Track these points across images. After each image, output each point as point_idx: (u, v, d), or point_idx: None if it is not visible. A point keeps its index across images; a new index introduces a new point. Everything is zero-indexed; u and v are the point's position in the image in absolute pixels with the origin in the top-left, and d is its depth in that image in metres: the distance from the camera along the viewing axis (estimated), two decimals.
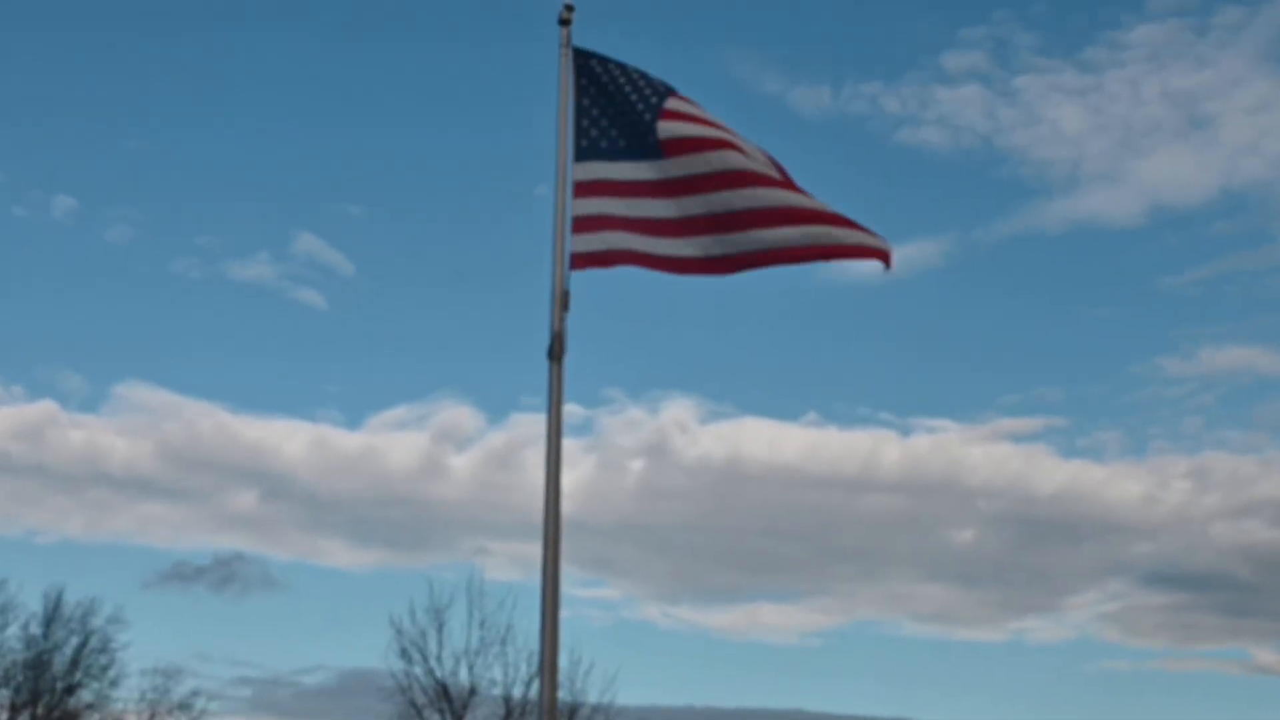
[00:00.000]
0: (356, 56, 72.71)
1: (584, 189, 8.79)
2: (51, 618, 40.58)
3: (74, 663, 40.69)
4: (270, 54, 71.92)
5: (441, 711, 34.76)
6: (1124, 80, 70.17)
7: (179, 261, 73.59)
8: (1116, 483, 63.74)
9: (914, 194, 67.17)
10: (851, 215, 8.58)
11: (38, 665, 40.12)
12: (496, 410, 77.12)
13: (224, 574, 53.27)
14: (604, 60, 9.04)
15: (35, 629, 40.45)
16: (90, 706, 40.96)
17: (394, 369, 71.60)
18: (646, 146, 8.83)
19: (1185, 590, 64.27)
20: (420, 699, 34.73)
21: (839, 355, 71.73)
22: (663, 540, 60.21)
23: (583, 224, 8.74)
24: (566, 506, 8.29)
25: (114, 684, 41.32)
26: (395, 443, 62.25)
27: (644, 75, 8.98)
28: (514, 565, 50.56)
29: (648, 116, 8.80)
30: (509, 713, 34.62)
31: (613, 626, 55.23)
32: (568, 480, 8.39)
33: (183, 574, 55.07)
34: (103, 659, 41.19)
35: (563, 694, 33.77)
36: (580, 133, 8.94)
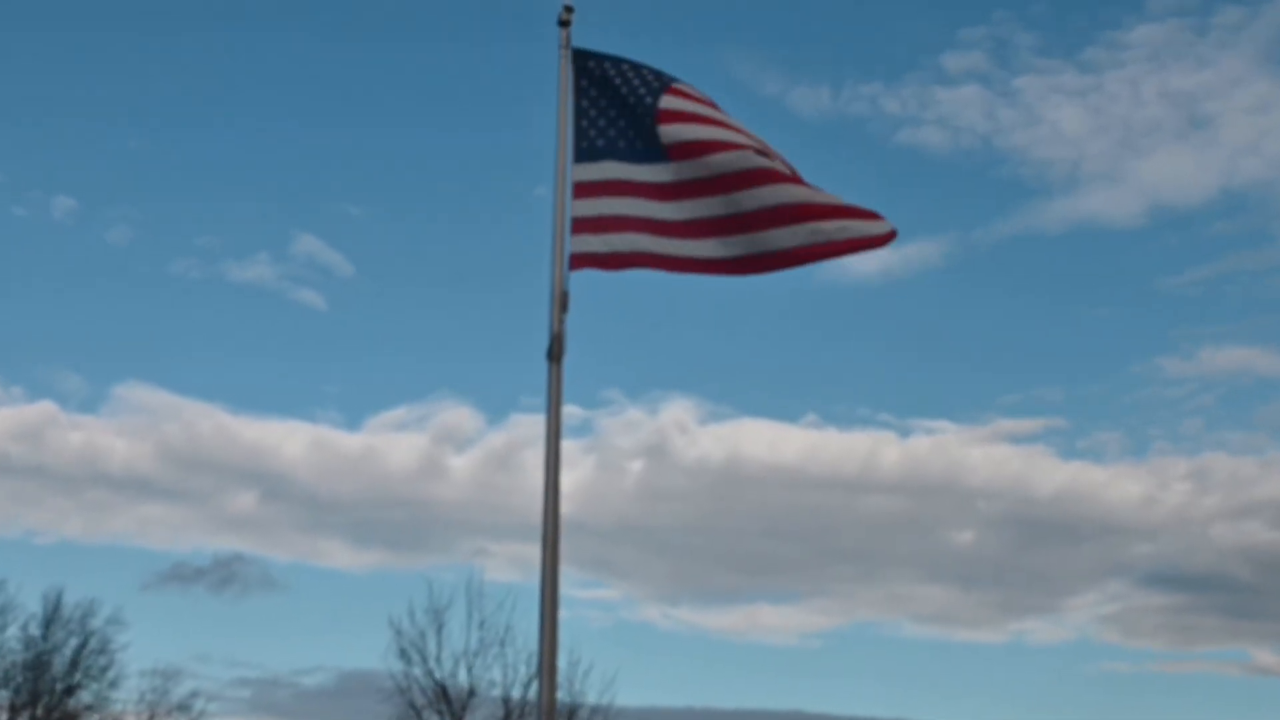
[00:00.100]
0: (356, 56, 72.76)
1: (584, 190, 8.79)
2: (51, 619, 40.61)
3: (73, 664, 40.69)
4: (270, 54, 71.95)
5: (441, 713, 34.74)
6: (1124, 80, 70.16)
7: (178, 262, 73.58)
8: (1116, 484, 63.74)
9: (914, 194, 67.07)
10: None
11: (37, 666, 40.11)
12: (496, 411, 77.12)
13: (223, 575, 53.28)
14: (603, 59, 9.03)
15: (34, 630, 40.49)
16: (89, 708, 40.97)
17: (393, 370, 71.64)
18: (649, 148, 8.83)
19: (1185, 592, 64.24)
20: (419, 700, 34.71)
21: (838, 356, 71.73)
22: (662, 541, 60.22)
23: (582, 225, 8.74)
24: (566, 507, 8.30)
25: (113, 685, 41.36)
26: (395, 444, 62.27)
27: (639, 72, 8.96)
28: (513, 566, 50.61)
29: (648, 119, 8.79)
30: (508, 714, 34.59)
31: (612, 627, 55.22)
32: (567, 481, 8.39)
33: (182, 575, 55.04)
34: (102, 660, 41.23)
35: (562, 695, 33.76)
36: (580, 134, 8.93)
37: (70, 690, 40.54)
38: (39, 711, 39.71)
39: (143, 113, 73.90)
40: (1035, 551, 63.07)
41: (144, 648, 59.53)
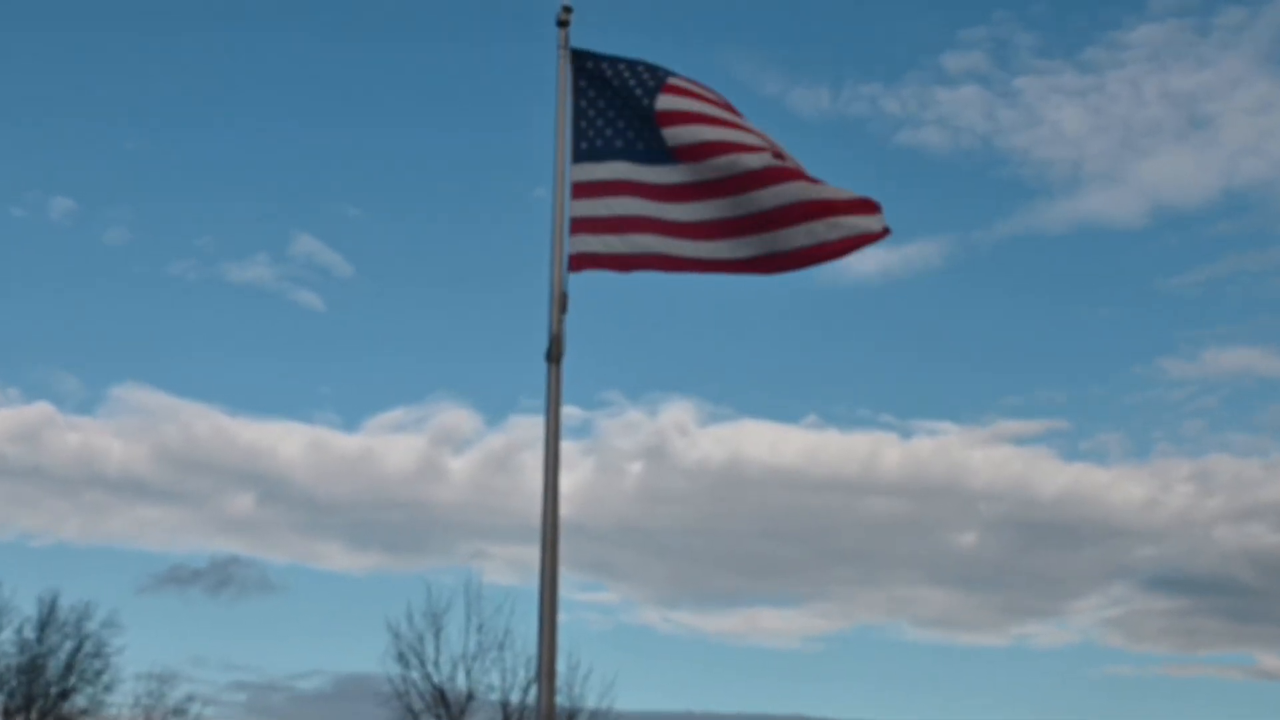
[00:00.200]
0: (355, 57, 72.70)
1: (582, 190, 8.78)
2: (46, 622, 40.45)
3: (68, 667, 40.56)
4: (269, 54, 71.88)
5: (439, 717, 34.65)
6: (1125, 81, 70.15)
7: (176, 263, 73.51)
8: (1119, 486, 63.64)
9: (914, 195, 66.95)
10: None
11: (32, 670, 39.99)
12: (495, 412, 77.00)
13: (220, 577, 53.16)
14: (601, 59, 9.00)
15: (29, 633, 40.32)
16: (84, 712, 40.83)
17: (392, 371, 71.56)
18: (649, 148, 8.83)
19: (1189, 595, 64.09)
20: (417, 704, 34.62)
21: (839, 357, 71.62)
22: (662, 544, 60.10)
23: (581, 226, 8.73)
24: (565, 509, 8.29)
25: (108, 689, 41.20)
26: (393, 445, 62.15)
27: (635, 70, 8.93)
28: (512, 569, 50.57)
29: (648, 120, 8.78)
30: (507, 718, 34.51)
31: (611, 631, 55.10)
32: (566, 483, 8.39)
33: (179, 577, 54.75)
34: (97, 663, 41.09)
35: (561, 699, 33.67)
36: (578, 134, 8.92)
37: (65, 694, 40.41)
38: (33, 715, 39.60)
39: (141, 113, 73.91)
40: (1037, 554, 63.02)
41: (140, 651, 59.28)
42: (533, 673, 31.91)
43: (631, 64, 8.98)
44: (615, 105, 8.92)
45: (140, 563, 73.00)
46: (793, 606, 64.56)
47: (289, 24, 72.65)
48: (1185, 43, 68.86)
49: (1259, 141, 74.30)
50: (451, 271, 72.21)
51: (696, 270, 8.75)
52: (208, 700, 43.25)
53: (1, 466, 57.22)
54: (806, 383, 72.45)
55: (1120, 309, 71.32)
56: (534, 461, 8.37)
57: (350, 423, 79.87)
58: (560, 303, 8.53)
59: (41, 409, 60.06)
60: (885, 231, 8.56)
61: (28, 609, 40.83)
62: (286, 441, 62.99)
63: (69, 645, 40.72)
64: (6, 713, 39.51)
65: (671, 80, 8.88)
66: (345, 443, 62.78)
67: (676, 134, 8.72)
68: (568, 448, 8.55)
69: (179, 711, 41.52)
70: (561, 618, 8.09)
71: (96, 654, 41.02)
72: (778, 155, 8.70)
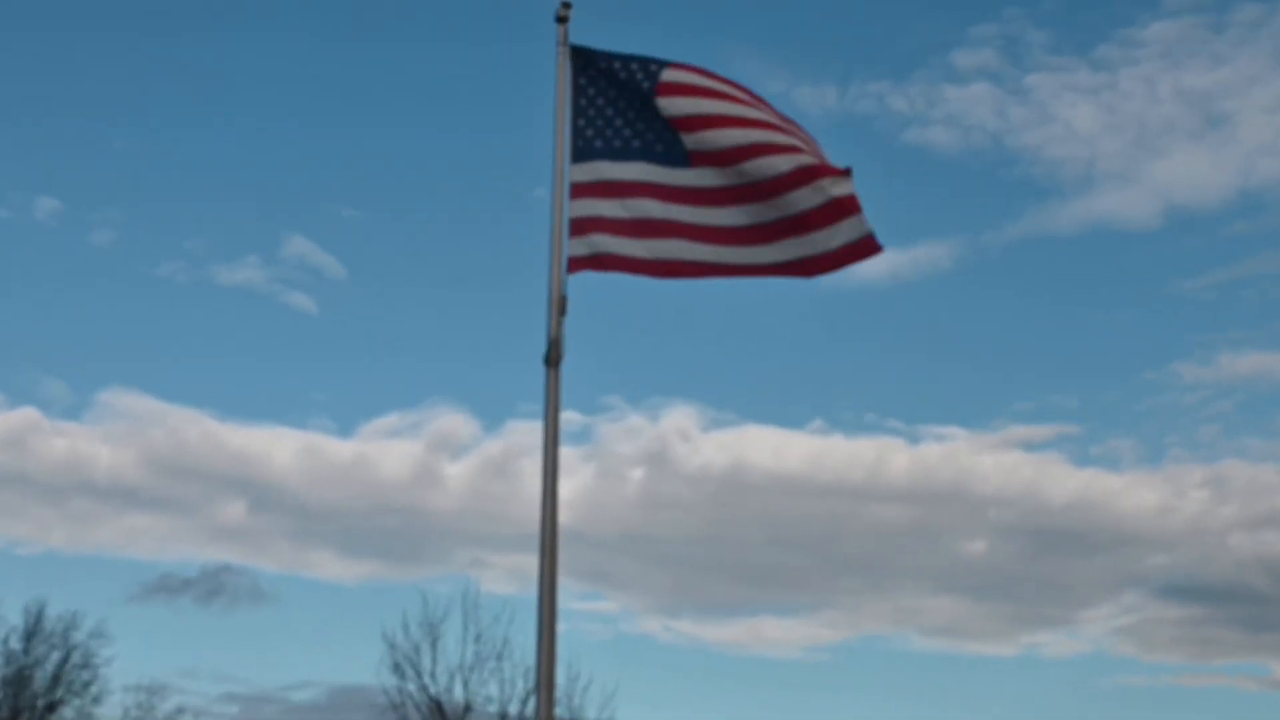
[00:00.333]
0: (349, 54, 72.23)
1: (582, 190, 8.69)
2: (32, 632, 40.19)
3: (55, 679, 40.32)
4: (260, 53, 71.45)
5: None
6: (1138, 78, 69.55)
7: (165, 265, 72.60)
8: (1131, 492, 63.15)
9: (922, 195, 66.48)
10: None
11: (18, 681, 39.75)
12: (492, 418, 76.30)
13: (211, 586, 52.77)
14: (599, 56, 8.91)
15: (15, 644, 40.04)
16: None
17: (386, 375, 71.00)
18: (645, 148, 8.77)
19: (1202, 603, 63.59)
20: (413, 716, 34.39)
21: (845, 361, 71.13)
22: (663, 552, 59.73)
23: (580, 226, 8.64)
24: (564, 517, 8.23)
25: (96, 701, 40.92)
26: (388, 451, 61.68)
27: (629, 67, 8.84)
28: (510, 578, 50.21)
29: (654, 116, 8.73)
30: None
31: (611, 640, 54.68)
32: (565, 490, 8.33)
33: (169, 586, 54.36)
34: (85, 675, 40.81)
35: (560, 710, 33.49)
36: (577, 133, 8.84)
37: (52, 706, 40.18)
38: None
39: (129, 112, 73.38)
40: (1048, 562, 62.66)
41: (129, 662, 58.96)
42: (531, 684, 31.82)
43: (626, 61, 8.88)
44: (616, 104, 8.85)
45: (129, 571, 72.79)
46: (797, 616, 64.24)
47: (280, 22, 72.30)
48: (1200, 40, 68.50)
49: (1276, 140, 73.87)
50: (448, 273, 71.88)
51: (661, 274, 8.70)
52: (198, 712, 43.01)
53: None
54: (811, 387, 72.07)
55: (1133, 312, 70.90)
56: (533, 468, 8.32)
57: (344, 428, 79.26)
58: (559, 306, 8.46)
59: (27, 414, 59.53)
60: (878, 247, 8.63)
61: (14, 619, 40.54)
62: (279, 447, 62.56)
63: (56, 656, 40.49)
64: None
65: (665, 80, 8.77)
66: (339, 449, 62.42)
67: (694, 139, 8.70)
68: (567, 453, 8.44)
69: None
70: (561, 627, 8.07)
71: (84, 665, 40.79)
72: (790, 136, 8.67)
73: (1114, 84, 67.27)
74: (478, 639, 34.70)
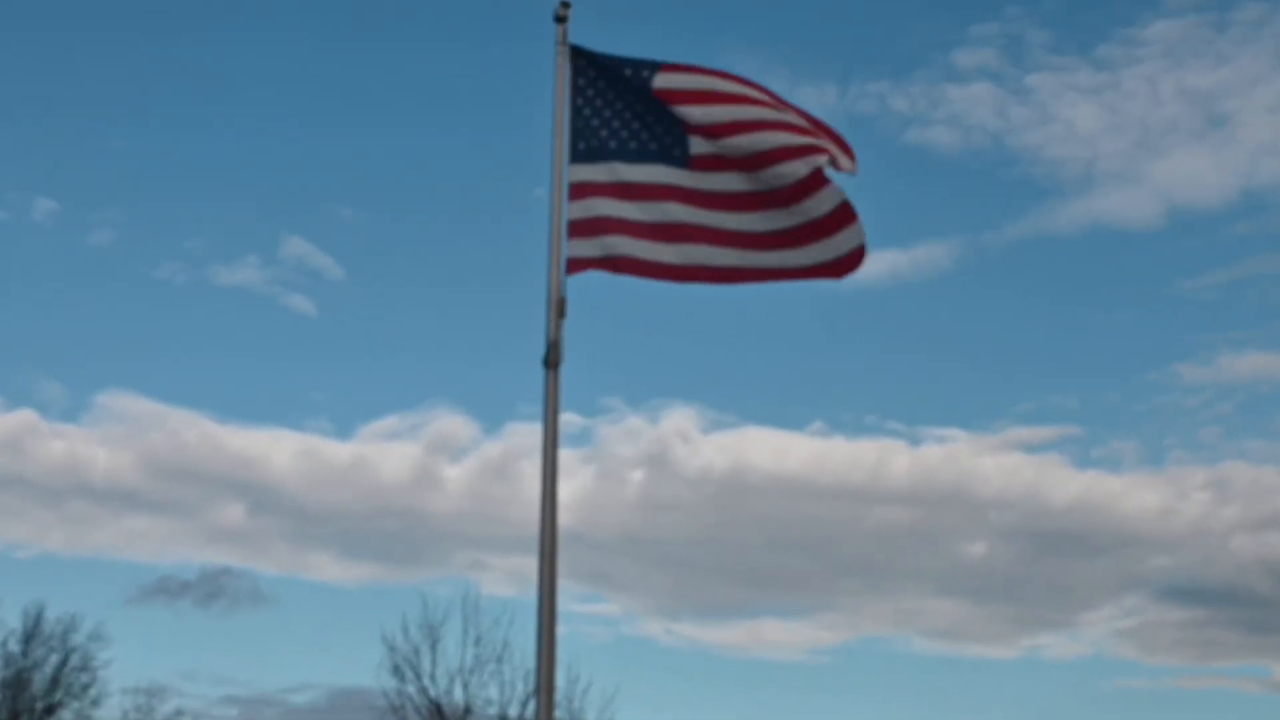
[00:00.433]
0: (348, 56, 72.05)
1: (580, 191, 8.66)
2: (31, 635, 40.16)
3: (54, 681, 40.29)
4: (259, 53, 71.26)
5: None
6: (1140, 78, 69.31)
7: (164, 266, 72.40)
8: (1133, 494, 62.92)
9: (923, 195, 66.27)
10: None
11: (17, 684, 39.71)
12: (492, 420, 76.29)
13: (210, 589, 52.68)
14: (598, 58, 8.89)
15: (14, 646, 40.00)
16: None
17: (386, 377, 70.78)
18: (642, 148, 8.75)
19: (1204, 605, 63.37)
20: (413, 719, 34.40)
21: (845, 362, 70.89)
22: (663, 554, 59.63)
23: (579, 228, 8.62)
24: (564, 519, 8.21)
25: (95, 703, 40.89)
26: (387, 453, 61.55)
27: (622, 71, 8.82)
28: (510, 580, 50.18)
29: (655, 117, 8.73)
30: None
31: (612, 643, 54.53)
32: (565, 492, 8.31)
33: (167, 589, 54.22)
34: (84, 678, 40.78)
35: (560, 713, 33.45)
36: (576, 133, 8.82)
37: (51, 709, 40.14)
38: None
39: (127, 112, 73.20)
40: (1049, 564, 62.52)
41: (127, 665, 58.95)
42: (531, 686, 31.74)
43: (621, 64, 8.87)
44: (614, 105, 8.83)
45: (128, 574, 72.52)
46: (798, 618, 64.07)
47: (279, 22, 72.19)
48: (1202, 39, 68.32)
49: (1278, 140, 73.71)
50: (447, 274, 71.73)
51: (663, 277, 8.70)
52: (198, 715, 42.92)
53: None
54: (812, 389, 71.79)
55: (1135, 312, 70.69)
56: (532, 470, 8.29)
57: (343, 430, 79.18)
58: (558, 307, 8.43)
59: (24, 416, 59.41)
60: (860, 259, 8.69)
61: (12, 621, 40.51)
62: (277, 449, 62.45)
63: (55, 659, 40.45)
64: None
65: (659, 84, 8.75)
66: (338, 450, 62.30)
67: (698, 145, 8.71)
68: (567, 455, 8.42)
69: None
70: (561, 630, 8.04)
71: (83, 668, 40.75)
72: (802, 140, 8.66)
73: (1115, 84, 67.14)
74: (478, 641, 34.65)
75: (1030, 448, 68.07)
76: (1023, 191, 70.32)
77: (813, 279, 8.76)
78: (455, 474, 60.53)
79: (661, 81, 8.74)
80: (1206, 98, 66.59)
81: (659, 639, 56.08)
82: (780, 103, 8.78)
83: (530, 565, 8.03)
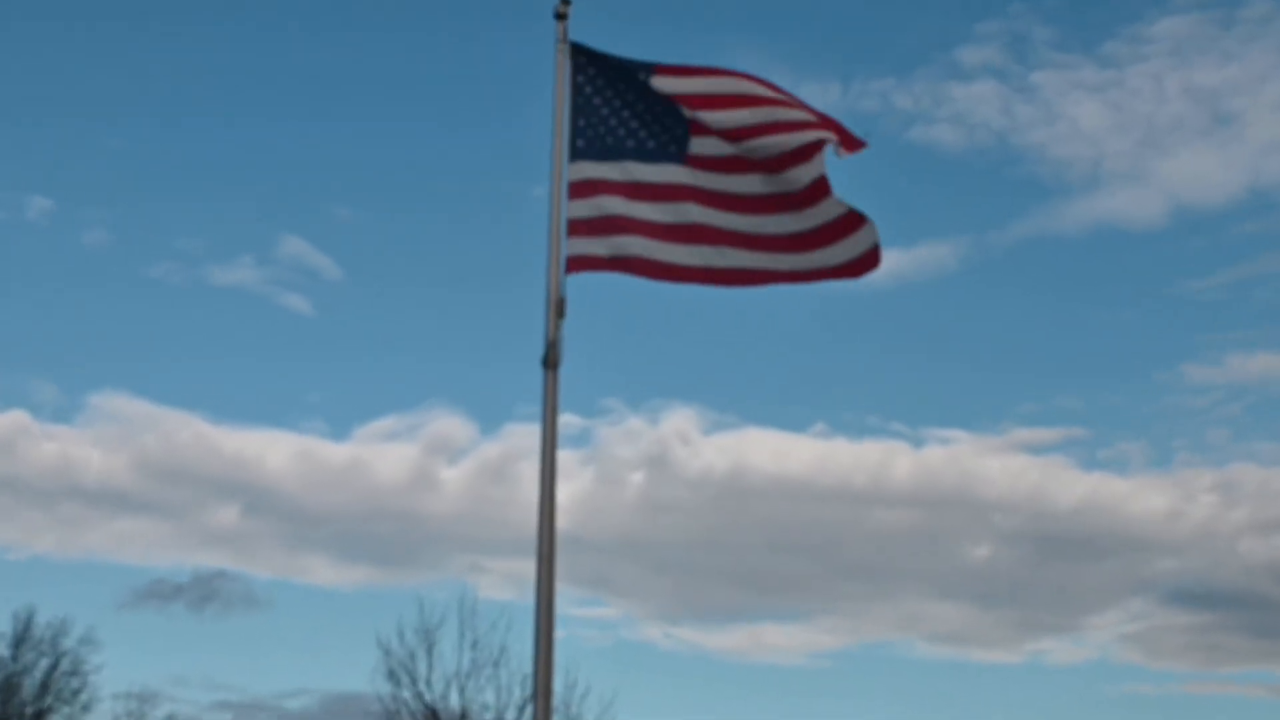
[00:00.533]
0: (345, 54, 71.90)
1: (586, 189, 8.62)
2: (21, 639, 40.08)
3: (44, 686, 40.20)
4: (255, 52, 71.05)
5: None
6: (1146, 76, 69.15)
7: (158, 266, 72.37)
8: (1139, 496, 62.75)
9: (927, 194, 66.10)
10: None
11: (6, 689, 39.61)
12: (490, 421, 76.19)
13: (203, 592, 52.53)
14: (598, 57, 8.85)
15: (4, 651, 39.97)
16: None
17: (382, 377, 70.58)
18: (639, 147, 8.72)
19: (1212, 609, 63.16)
20: None
21: (848, 363, 70.74)
22: (663, 557, 59.46)
23: (578, 227, 8.57)
24: (562, 521, 8.17)
25: (86, 708, 40.81)
26: (384, 454, 61.39)
27: (622, 69, 8.78)
28: (508, 583, 50.20)
29: (656, 117, 8.70)
30: None
31: (611, 647, 54.38)
32: (564, 494, 8.27)
33: (160, 592, 54.11)
34: (74, 682, 40.70)
35: (558, 718, 33.38)
36: (576, 132, 8.77)
37: (40, 714, 40.02)
38: None
39: (122, 111, 73.00)
40: (1054, 567, 62.39)
41: (119, 669, 58.85)
42: (529, 691, 31.64)
43: (618, 66, 8.83)
44: (613, 104, 8.80)
45: (120, 577, 72.02)
46: (799, 622, 63.83)
47: (275, 20, 72.06)
48: (1208, 37, 68.25)
49: None
50: (445, 274, 71.54)
51: (663, 277, 8.67)
52: None
53: None
54: (814, 390, 71.59)
55: (1141, 313, 70.53)
56: (530, 472, 8.23)
57: (339, 431, 79.08)
58: (557, 307, 8.39)
59: (16, 417, 59.25)
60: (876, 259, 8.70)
61: (2, 625, 40.46)
62: (273, 451, 62.34)
63: (45, 663, 40.36)
64: None
65: (655, 86, 8.70)
66: (334, 452, 62.18)
67: (699, 144, 8.68)
68: (566, 457, 8.35)
69: None
70: (559, 634, 8.01)
71: (74, 672, 40.64)
72: (803, 136, 8.63)
73: (1121, 81, 67.00)
74: (474, 646, 34.49)
75: (1035, 449, 68.12)
76: (1027, 190, 70.27)
77: (830, 280, 8.75)
78: (453, 476, 60.39)
79: (658, 85, 8.71)
80: (1213, 96, 66.49)
81: (658, 643, 55.95)
82: (780, 93, 8.74)
83: (528, 568, 8.01)
